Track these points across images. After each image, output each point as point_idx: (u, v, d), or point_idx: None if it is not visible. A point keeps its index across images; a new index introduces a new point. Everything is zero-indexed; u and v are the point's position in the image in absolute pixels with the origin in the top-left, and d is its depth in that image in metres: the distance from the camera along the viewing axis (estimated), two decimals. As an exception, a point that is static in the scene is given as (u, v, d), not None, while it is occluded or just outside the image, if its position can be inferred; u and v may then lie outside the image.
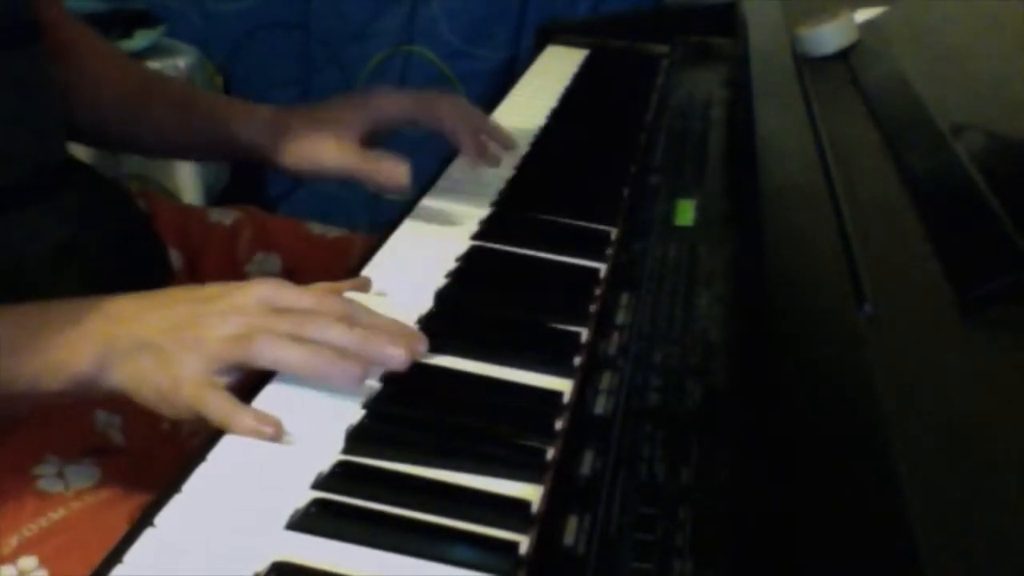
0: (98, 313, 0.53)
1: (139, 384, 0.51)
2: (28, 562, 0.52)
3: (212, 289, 0.54)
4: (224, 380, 0.50)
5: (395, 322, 0.55)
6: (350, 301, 0.55)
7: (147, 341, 0.51)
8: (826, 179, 0.60)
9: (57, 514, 0.55)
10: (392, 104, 0.77)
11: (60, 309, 0.54)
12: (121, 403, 0.60)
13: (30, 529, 0.54)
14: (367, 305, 0.55)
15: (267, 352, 0.50)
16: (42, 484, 0.57)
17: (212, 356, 0.50)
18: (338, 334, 0.51)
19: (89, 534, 0.53)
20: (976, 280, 0.45)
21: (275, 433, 0.47)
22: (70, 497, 0.56)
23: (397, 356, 0.51)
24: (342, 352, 0.50)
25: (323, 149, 0.75)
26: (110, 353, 0.51)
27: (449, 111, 0.76)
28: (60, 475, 0.58)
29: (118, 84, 0.80)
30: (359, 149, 0.74)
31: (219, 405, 0.49)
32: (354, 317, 0.53)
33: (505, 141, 0.81)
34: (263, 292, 0.53)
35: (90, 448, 0.61)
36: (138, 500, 0.56)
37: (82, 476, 0.58)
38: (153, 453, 0.64)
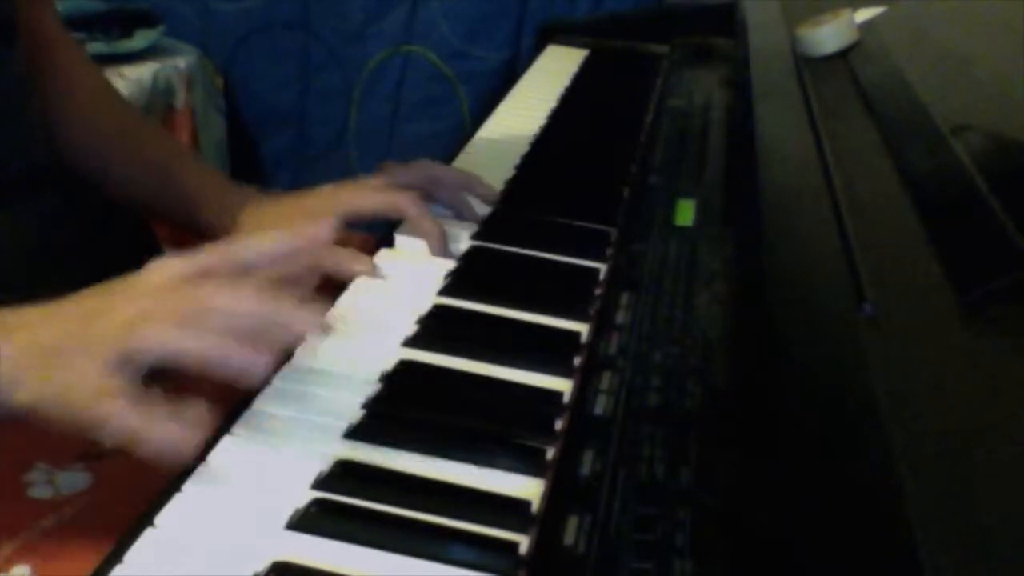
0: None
1: (39, 399, 0.45)
2: (21, 571, 0.52)
3: (128, 277, 0.49)
4: (120, 381, 0.44)
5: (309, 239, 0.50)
6: (253, 239, 0.50)
7: (48, 347, 0.46)
8: (826, 179, 0.60)
9: (49, 521, 0.55)
10: (360, 203, 0.71)
11: None
12: None
13: (22, 538, 0.54)
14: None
15: (149, 341, 0.44)
16: (33, 492, 0.57)
17: (96, 354, 0.44)
18: (244, 307, 0.46)
19: (82, 540, 0.53)
20: (976, 280, 0.45)
21: (189, 443, 0.43)
22: (61, 503, 0.56)
23: (308, 325, 0.47)
24: (243, 331, 0.45)
25: None
26: (9, 366, 0.46)
27: (416, 213, 0.69)
28: (50, 482, 0.57)
29: (99, 125, 0.77)
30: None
31: (119, 415, 0.43)
32: (257, 259, 0.48)
33: (486, 195, 0.77)
34: (162, 267, 0.48)
35: (80, 453, 0.60)
36: (131, 503, 0.55)
37: (73, 481, 0.58)
38: (144, 457, 0.64)
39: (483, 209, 0.76)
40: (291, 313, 0.46)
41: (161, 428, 0.43)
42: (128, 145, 0.78)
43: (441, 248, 0.69)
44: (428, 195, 0.72)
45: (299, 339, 0.47)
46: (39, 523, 0.54)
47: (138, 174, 0.77)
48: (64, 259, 0.67)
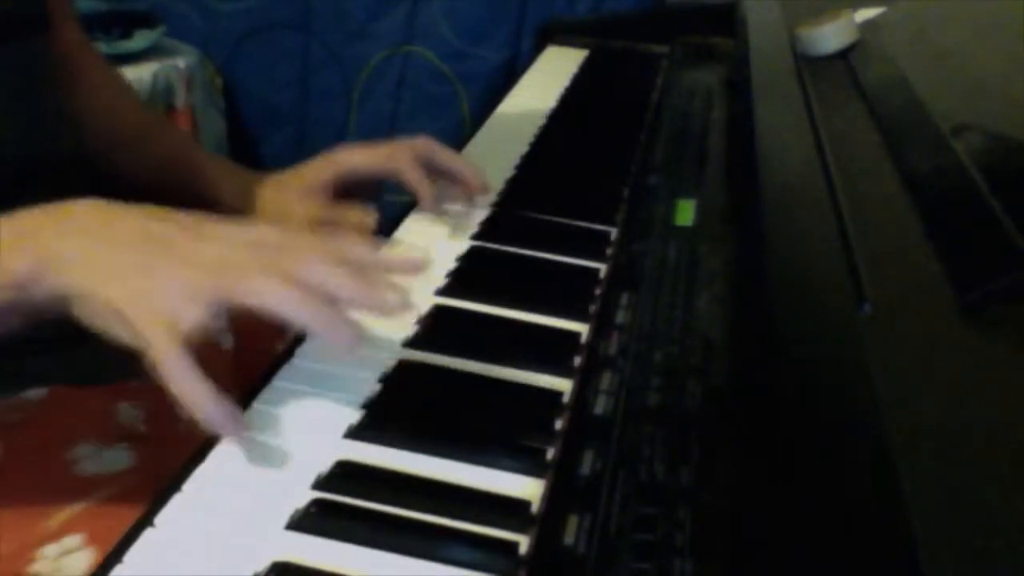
0: (53, 217, 0.48)
1: (88, 294, 0.45)
2: (73, 541, 0.53)
3: (200, 215, 0.49)
4: (196, 318, 0.43)
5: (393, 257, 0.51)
6: (350, 240, 0.50)
7: (108, 250, 0.45)
8: (826, 179, 0.60)
9: (98, 495, 0.56)
10: (354, 160, 0.74)
11: (15, 215, 0.48)
12: (141, 396, 0.60)
13: (72, 510, 0.54)
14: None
15: (259, 290, 0.44)
16: (80, 467, 0.58)
17: (189, 281, 0.44)
18: (338, 281, 0.46)
19: (133, 514, 0.54)
20: (976, 280, 0.45)
21: (232, 426, 0.43)
22: (109, 479, 0.57)
23: (397, 305, 0.47)
24: (337, 304, 0.45)
25: (291, 210, 0.74)
26: (57, 255, 0.45)
27: (407, 165, 0.72)
28: (98, 458, 0.58)
29: (116, 120, 0.80)
30: (325, 204, 0.74)
31: (182, 370, 0.42)
32: (355, 254, 0.49)
33: (474, 183, 0.77)
34: (261, 229, 0.48)
35: (121, 435, 0.61)
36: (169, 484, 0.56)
37: (118, 460, 0.59)
38: (179, 440, 0.65)
39: (476, 203, 0.77)
40: (382, 298, 0.47)
41: (203, 394, 0.42)
42: (146, 141, 0.81)
43: (432, 205, 0.72)
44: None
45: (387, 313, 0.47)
46: (89, 497, 0.55)
47: (157, 168, 0.80)
48: None
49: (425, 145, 0.75)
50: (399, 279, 0.50)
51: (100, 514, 0.54)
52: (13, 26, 0.64)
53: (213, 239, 0.46)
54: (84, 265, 0.45)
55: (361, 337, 0.45)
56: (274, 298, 0.44)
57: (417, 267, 0.50)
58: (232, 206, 0.77)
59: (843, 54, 0.83)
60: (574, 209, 0.76)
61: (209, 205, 0.78)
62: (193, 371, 0.43)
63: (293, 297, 0.44)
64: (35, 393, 0.62)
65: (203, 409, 0.43)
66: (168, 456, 0.60)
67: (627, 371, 0.54)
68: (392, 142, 0.76)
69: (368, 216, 0.70)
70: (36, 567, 0.51)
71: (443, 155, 0.76)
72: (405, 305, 0.47)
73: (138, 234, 0.46)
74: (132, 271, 0.44)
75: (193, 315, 0.43)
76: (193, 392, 0.42)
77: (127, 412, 0.64)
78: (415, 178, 0.72)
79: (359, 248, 0.49)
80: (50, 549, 0.52)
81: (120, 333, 0.44)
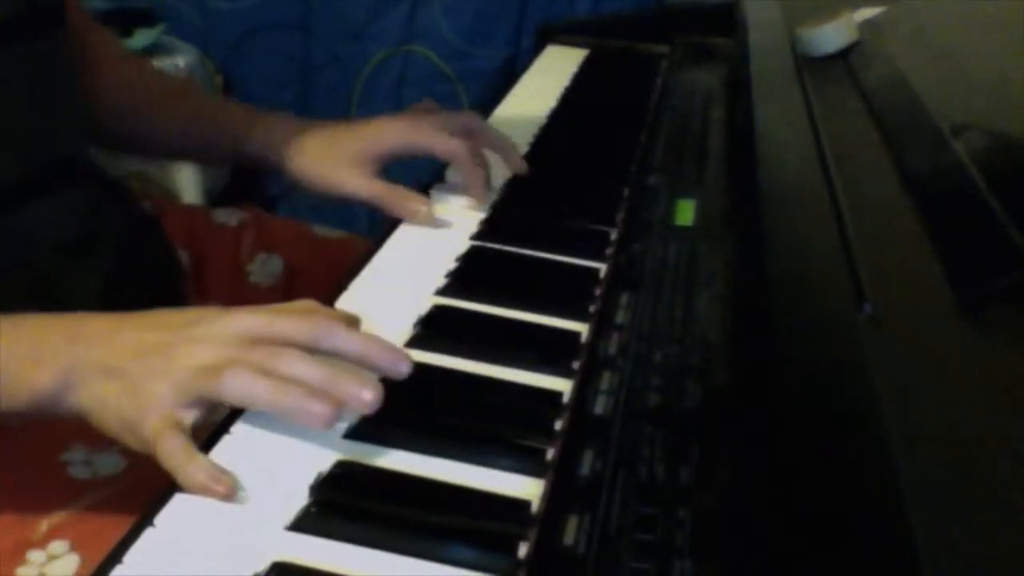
0: (64, 331, 0.51)
1: (102, 409, 0.49)
2: (59, 546, 0.52)
3: (189, 314, 0.52)
4: (191, 416, 0.47)
5: (380, 345, 0.51)
6: (336, 325, 0.51)
7: (113, 365, 0.49)
8: (826, 179, 0.60)
9: (86, 500, 0.55)
10: (409, 138, 0.76)
11: (26, 324, 0.52)
12: None
13: (60, 515, 0.54)
14: (359, 317, 0.54)
15: (233, 386, 0.47)
16: (71, 471, 0.57)
17: (179, 387, 0.47)
18: (309, 371, 0.47)
19: (120, 520, 0.54)
20: (976, 280, 0.45)
21: (226, 494, 0.44)
22: (99, 484, 0.57)
23: (366, 401, 0.47)
24: (313, 390, 0.47)
25: (346, 176, 0.75)
26: (73, 373, 0.49)
27: (464, 154, 0.74)
28: (88, 463, 0.58)
29: (136, 88, 0.81)
30: (380, 180, 0.76)
31: (175, 450, 0.45)
32: (334, 342, 0.50)
33: (514, 162, 0.80)
34: (241, 321, 0.50)
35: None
36: (163, 487, 0.56)
37: (109, 464, 0.58)
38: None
39: (501, 182, 0.79)
40: (354, 390, 0.48)
41: (199, 477, 0.44)
42: (166, 100, 0.82)
43: (483, 195, 0.75)
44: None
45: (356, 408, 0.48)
46: (77, 502, 0.55)
47: (180, 124, 0.81)
48: (98, 253, 0.69)
49: (472, 121, 0.78)
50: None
51: (87, 519, 0.54)
52: (30, 23, 0.64)
53: (202, 341, 0.49)
54: (99, 382, 0.49)
55: (334, 419, 0.47)
56: (252, 394, 0.47)
57: (402, 369, 0.50)
58: (263, 157, 0.79)
59: (843, 54, 0.83)
60: (574, 209, 0.76)
61: (237, 156, 0.81)
62: (189, 456, 0.45)
63: (268, 390, 0.47)
64: None
65: (201, 492, 0.44)
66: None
67: (627, 371, 0.54)
68: (443, 117, 0.78)
69: (424, 206, 0.72)
70: (23, 571, 0.51)
71: (488, 133, 0.79)
72: (375, 401, 0.47)
73: (138, 346, 0.49)
74: (137, 385, 0.48)
75: (189, 416, 0.47)
76: (192, 479, 0.45)
77: None
78: (471, 171, 0.74)
79: (345, 337, 0.50)
80: (36, 555, 0.52)
81: (130, 441, 0.48)
